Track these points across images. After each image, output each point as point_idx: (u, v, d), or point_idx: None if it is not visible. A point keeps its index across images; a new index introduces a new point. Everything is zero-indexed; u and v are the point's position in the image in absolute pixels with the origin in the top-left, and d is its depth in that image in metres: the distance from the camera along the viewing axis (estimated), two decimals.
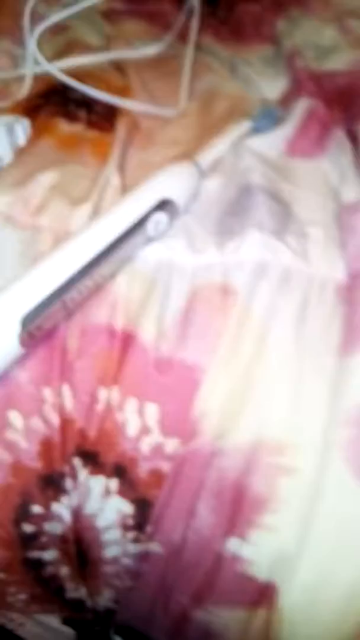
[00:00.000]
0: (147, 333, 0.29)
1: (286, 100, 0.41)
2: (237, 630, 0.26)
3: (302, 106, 0.39)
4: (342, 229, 0.32)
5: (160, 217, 0.31)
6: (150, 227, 0.31)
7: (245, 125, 0.38)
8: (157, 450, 0.27)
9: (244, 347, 0.29)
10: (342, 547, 0.25)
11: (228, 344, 0.29)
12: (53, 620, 0.30)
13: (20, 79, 0.42)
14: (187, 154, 0.37)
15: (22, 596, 0.29)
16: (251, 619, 0.26)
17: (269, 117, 0.39)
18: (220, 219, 0.34)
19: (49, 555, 0.28)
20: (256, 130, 0.38)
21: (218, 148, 0.37)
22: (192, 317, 0.30)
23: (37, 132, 0.37)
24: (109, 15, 0.50)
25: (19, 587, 0.29)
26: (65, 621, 0.29)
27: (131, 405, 0.28)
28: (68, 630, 0.29)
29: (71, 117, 0.38)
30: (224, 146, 0.37)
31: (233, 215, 0.34)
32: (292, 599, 0.26)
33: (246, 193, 0.34)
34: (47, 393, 0.28)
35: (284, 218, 0.33)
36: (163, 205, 0.31)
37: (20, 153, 0.36)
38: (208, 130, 0.40)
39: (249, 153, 0.37)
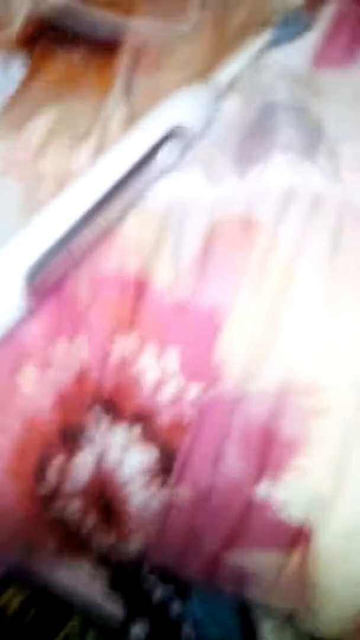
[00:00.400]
0: (162, 277, 0.28)
1: (312, 4, 0.37)
2: (273, 571, 0.27)
3: (330, 10, 0.35)
4: None
5: (171, 146, 0.29)
6: (161, 158, 0.29)
7: (266, 36, 0.35)
8: (179, 397, 0.27)
9: (269, 283, 0.28)
10: None
11: (252, 281, 0.28)
12: (85, 564, 0.31)
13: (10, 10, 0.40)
14: (202, 75, 0.34)
15: (50, 547, 0.30)
16: (286, 561, 0.26)
17: (294, 24, 0.35)
18: (241, 143, 0.31)
19: (74, 506, 0.29)
20: (280, 42, 0.35)
21: (235, 65, 0.34)
22: (211, 255, 0.28)
23: (35, 67, 0.35)
24: None
25: (46, 539, 0.30)
26: (97, 563, 0.30)
27: (149, 352, 0.27)
28: (101, 572, 0.30)
29: (70, 45, 0.36)
30: (242, 63, 0.34)
31: (255, 138, 0.31)
32: (328, 539, 0.26)
33: (269, 112, 0.32)
34: (61, 346, 0.28)
35: (313, 136, 0.31)
36: (174, 133, 0.29)
37: (17, 91, 0.34)
38: (224, 45, 0.36)
39: (272, 67, 0.34)
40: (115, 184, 0.27)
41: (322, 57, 0.34)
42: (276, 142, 0.30)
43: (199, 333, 0.27)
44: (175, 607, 0.29)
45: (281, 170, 0.29)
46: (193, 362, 0.27)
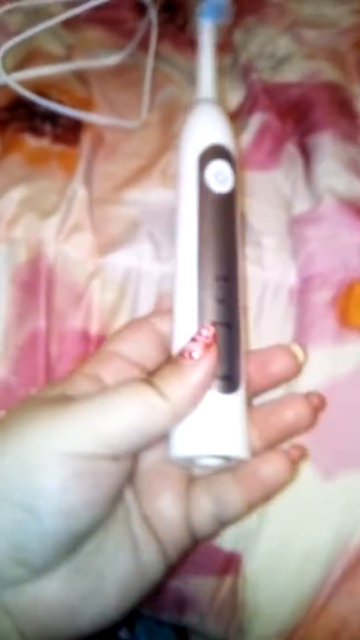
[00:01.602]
0: None
1: (241, 113, 0.46)
2: (208, 595, 0.32)
3: (256, 120, 0.44)
4: (293, 238, 0.38)
5: (218, 165, 0.28)
6: (212, 180, 0.28)
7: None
8: None
9: None
10: (297, 518, 0.31)
11: None
12: None
13: None
14: (151, 164, 0.42)
15: None
16: (220, 585, 0.32)
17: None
18: None
19: None
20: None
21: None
22: None
23: (5, 149, 0.41)
24: (69, 22, 0.54)
25: None
26: None
27: None
28: None
29: (37, 132, 0.42)
30: None
31: None
32: (254, 566, 0.31)
33: None
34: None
35: (242, 229, 0.38)
36: (213, 151, 0.28)
37: None
38: (169, 141, 0.45)
39: None
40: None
41: (249, 160, 0.43)
42: None
43: None
44: (123, 635, 0.33)
45: None
46: None
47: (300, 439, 0.30)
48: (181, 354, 0.25)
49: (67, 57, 0.52)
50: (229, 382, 0.26)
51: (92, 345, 0.34)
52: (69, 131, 0.44)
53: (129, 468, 0.25)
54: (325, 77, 0.48)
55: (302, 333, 0.34)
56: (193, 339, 0.25)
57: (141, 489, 0.27)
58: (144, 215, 0.39)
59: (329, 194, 0.37)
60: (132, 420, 0.23)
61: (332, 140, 0.41)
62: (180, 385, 0.24)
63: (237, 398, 0.26)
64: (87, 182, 0.40)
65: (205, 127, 0.30)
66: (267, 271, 0.37)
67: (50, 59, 0.51)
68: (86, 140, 0.43)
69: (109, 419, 0.23)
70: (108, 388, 0.25)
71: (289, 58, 0.51)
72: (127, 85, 0.50)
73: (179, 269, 0.28)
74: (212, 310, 0.26)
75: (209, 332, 0.25)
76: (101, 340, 0.34)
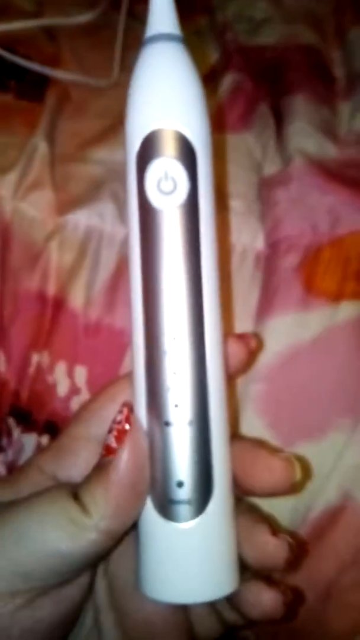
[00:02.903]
0: (76, 299, 0.31)
1: (214, 74, 0.43)
2: None
3: (229, 81, 0.41)
4: (262, 201, 0.35)
5: (161, 165, 0.19)
6: (153, 189, 0.19)
7: None
8: None
9: None
10: None
11: None
12: None
13: None
14: (118, 124, 0.39)
15: None
16: None
17: None
18: None
19: None
20: None
21: None
22: (119, 284, 0.32)
23: None
24: None
25: None
26: None
27: (61, 367, 0.30)
28: None
29: (1, 87, 0.39)
30: None
31: None
32: None
33: None
34: None
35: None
36: (155, 143, 0.19)
37: None
38: None
39: None
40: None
41: (221, 122, 0.40)
42: None
43: (107, 351, 0.31)
44: None
45: None
46: (99, 379, 0.30)
47: (259, 401, 0.27)
48: (103, 449, 0.20)
49: (38, 13, 0.48)
50: (200, 489, 0.20)
51: (48, 307, 0.31)
52: (35, 87, 0.40)
53: (82, 590, 0.21)
54: (302, 41, 0.45)
55: (266, 301, 0.32)
56: (109, 429, 0.20)
57: (121, 603, 0.22)
58: (108, 175, 0.36)
59: (298, 155, 0.34)
60: (52, 545, 0.18)
61: (305, 101, 0.38)
62: (100, 493, 0.19)
63: (216, 509, 0.20)
64: (50, 138, 0.37)
65: (148, 97, 0.19)
66: (234, 235, 0.34)
67: (20, 14, 0.47)
68: (51, 96, 0.40)
69: (26, 548, 0.18)
70: (26, 504, 0.20)
71: (267, 21, 0.48)
72: (99, 44, 0.46)
73: (132, 326, 0.21)
74: (164, 389, 0.20)
75: (121, 416, 0.20)
76: (58, 302, 0.31)
